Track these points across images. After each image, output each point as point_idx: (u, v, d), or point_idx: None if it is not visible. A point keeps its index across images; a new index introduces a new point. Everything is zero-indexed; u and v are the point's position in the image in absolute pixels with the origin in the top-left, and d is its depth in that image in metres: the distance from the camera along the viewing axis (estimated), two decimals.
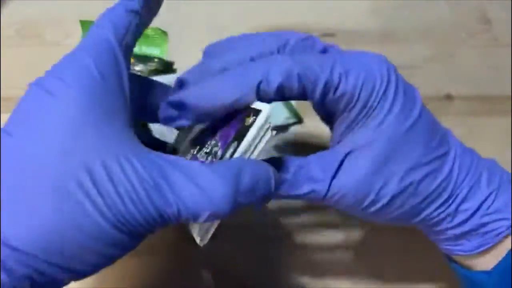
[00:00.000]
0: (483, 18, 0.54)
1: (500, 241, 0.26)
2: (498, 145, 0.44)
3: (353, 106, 0.24)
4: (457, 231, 0.26)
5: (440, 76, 0.49)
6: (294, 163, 0.25)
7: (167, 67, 0.45)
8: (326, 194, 0.25)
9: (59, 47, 0.52)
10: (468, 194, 0.26)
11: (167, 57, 0.44)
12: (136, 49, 0.44)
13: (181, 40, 0.45)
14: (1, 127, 0.47)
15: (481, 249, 0.26)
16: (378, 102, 0.24)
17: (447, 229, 0.26)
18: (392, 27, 0.53)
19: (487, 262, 0.27)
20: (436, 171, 0.25)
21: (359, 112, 0.24)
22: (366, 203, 0.25)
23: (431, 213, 0.26)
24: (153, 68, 0.42)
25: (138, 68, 0.42)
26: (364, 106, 0.24)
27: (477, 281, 0.27)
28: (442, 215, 0.26)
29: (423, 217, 0.26)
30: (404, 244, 0.37)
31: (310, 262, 0.37)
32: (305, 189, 0.25)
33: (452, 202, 0.26)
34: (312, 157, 0.26)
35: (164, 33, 0.43)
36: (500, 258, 0.26)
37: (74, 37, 0.45)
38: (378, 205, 0.25)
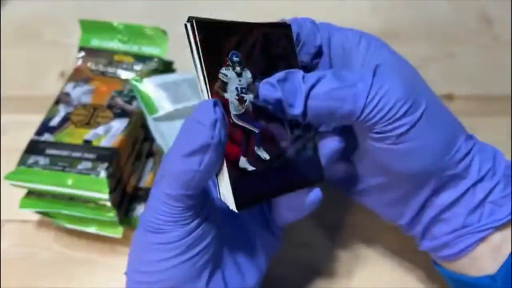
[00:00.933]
0: (484, 18, 0.54)
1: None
2: (498, 145, 0.43)
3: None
4: (492, 182, 0.27)
5: (440, 76, 0.49)
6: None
7: (166, 67, 0.45)
8: (371, 86, 0.24)
9: (59, 46, 0.52)
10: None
11: (167, 57, 0.44)
12: (136, 49, 0.44)
13: (181, 40, 0.45)
14: (1, 127, 0.46)
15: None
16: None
17: (476, 181, 0.27)
18: (392, 27, 0.53)
19: (484, 265, 0.27)
20: None
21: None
22: (405, 107, 0.24)
23: (454, 155, 0.26)
24: (153, 67, 0.42)
25: (138, 68, 0.42)
26: None
27: (478, 286, 0.27)
28: (464, 162, 0.27)
29: (447, 162, 0.26)
30: (402, 245, 0.37)
31: (310, 261, 0.37)
32: (348, 79, 0.24)
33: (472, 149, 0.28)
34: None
35: (164, 33, 0.43)
36: (500, 260, 0.26)
37: (74, 37, 0.44)
38: (415, 115, 0.25)
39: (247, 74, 0.25)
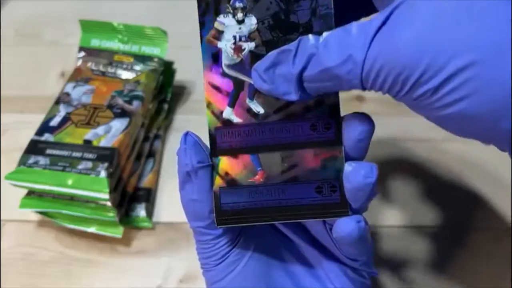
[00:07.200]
0: None
1: None
2: None
3: None
4: None
5: None
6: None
7: (166, 67, 0.45)
8: (364, 61, 0.19)
9: (59, 47, 0.52)
10: None
11: (167, 57, 0.44)
12: (136, 49, 0.44)
13: (181, 40, 0.45)
14: (1, 127, 0.46)
15: None
16: None
17: None
18: None
19: None
20: None
21: None
22: (417, 74, 0.18)
23: None
24: (152, 67, 0.42)
25: (138, 68, 0.42)
26: None
27: None
28: None
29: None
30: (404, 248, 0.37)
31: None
32: (338, 56, 0.19)
33: None
34: (352, 23, 0.20)
35: (164, 33, 0.43)
36: None
37: (74, 37, 0.45)
38: (435, 81, 0.18)
39: (251, 21, 0.24)
